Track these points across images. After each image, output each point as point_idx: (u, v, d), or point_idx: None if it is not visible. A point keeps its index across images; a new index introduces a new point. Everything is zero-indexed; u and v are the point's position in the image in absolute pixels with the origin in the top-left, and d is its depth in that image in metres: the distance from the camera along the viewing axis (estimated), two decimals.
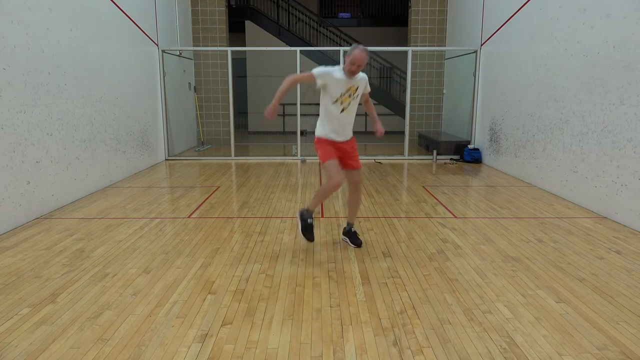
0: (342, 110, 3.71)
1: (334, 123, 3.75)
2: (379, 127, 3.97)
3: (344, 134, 3.81)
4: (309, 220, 3.82)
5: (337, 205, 5.51)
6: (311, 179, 7.10)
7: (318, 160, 6.99)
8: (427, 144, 10.11)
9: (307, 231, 3.84)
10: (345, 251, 3.92)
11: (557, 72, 5.84)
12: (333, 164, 3.70)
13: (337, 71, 3.65)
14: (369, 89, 3.89)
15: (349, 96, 3.68)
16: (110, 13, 6.60)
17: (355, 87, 3.70)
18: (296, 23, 13.96)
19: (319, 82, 3.64)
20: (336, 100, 3.67)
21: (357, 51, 3.53)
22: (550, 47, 6.03)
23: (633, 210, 4.50)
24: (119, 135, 6.79)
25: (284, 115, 12.54)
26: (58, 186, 5.23)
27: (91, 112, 5.97)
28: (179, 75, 9.79)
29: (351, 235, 4.05)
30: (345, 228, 4.12)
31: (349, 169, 3.88)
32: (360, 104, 3.89)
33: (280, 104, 3.73)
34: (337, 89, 3.65)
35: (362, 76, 3.75)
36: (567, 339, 2.55)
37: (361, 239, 4.07)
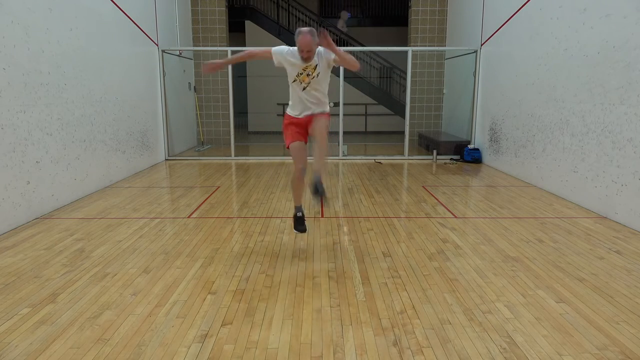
0: (304, 88, 3.68)
1: (296, 100, 3.76)
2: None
3: (308, 110, 3.75)
4: (298, 214, 3.91)
5: (337, 205, 5.51)
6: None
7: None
8: (427, 144, 10.11)
9: (298, 223, 3.94)
10: (345, 251, 3.92)
11: (557, 72, 5.84)
12: (294, 147, 3.74)
13: (294, 53, 3.64)
14: (332, 56, 3.58)
15: (307, 75, 3.65)
16: (110, 13, 6.59)
17: (314, 65, 3.63)
18: (296, 23, 13.97)
19: (275, 60, 3.69)
20: (294, 80, 3.68)
21: (301, 37, 3.49)
22: (550, 47, 6.03)
23: (633, 210, 4.50)
24: (119, 135, 6.79)
25: (283, 115, 12.55)
26: (58, 186, 5.23)
27: (91, 112, 5.97)
28: (179, 75, 9.79)
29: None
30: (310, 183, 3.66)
31: (312, 125, 3.75)
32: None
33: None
34: (292, 70, 3.66)
35: (322, 52, 3.62)
36: (567, 339, 2.55)
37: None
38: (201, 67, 3.83)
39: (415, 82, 10.82)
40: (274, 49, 3.71)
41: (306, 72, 3.64)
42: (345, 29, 12.90)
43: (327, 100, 3.86)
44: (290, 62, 3.66)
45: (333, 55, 3.57)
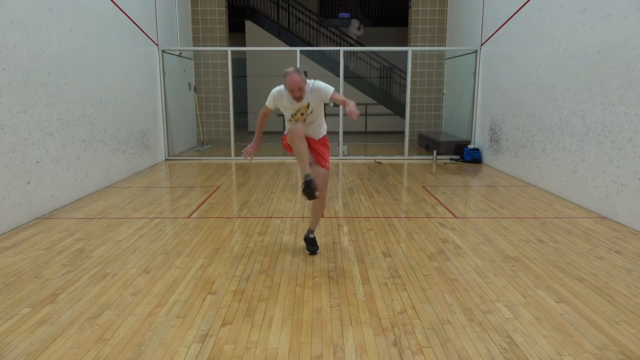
0: None
1: None
2: (351, 109, 3.20)
3: (309, 135, 3.71)
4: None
5: (337, 205, 5.51)
6: None
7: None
8: (427, 144, 10.11)
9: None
10: (345, 251, 3.92)
11: (557, 72, 5.84)
12: (295, 133, 3.48)
13: (283, 94, 3.52)
14: (329, 94, 3.48)
15: (302, 114, 3.59)
16: (110, 13, 6.59)
17: (306, 104, 3.53)
18: (296, 23, 13.97)
19: (272, 107, 3.66)
20: (289, 120, 3.67)
21: (288, 77, 3.37)
22: (550, 47, 6.02)
23: (633, 210, 4.50)
24: (119, 135, 6.79)
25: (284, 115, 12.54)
26: (58, 186, 5.23)
27: (91, 112, 5.97)
28: (179, 75, 9.79)
29: (308, 241, 3.90)
30: (305, 233, 3.98)
31: (316, 163, 3.76)
32: (335, 105, 3.73)
33: None
34: (287, 111, 3.63)
35: (313, 88, 3.49)
36: (567, 339, 2.55)
37: (319, 245, 3.93)
38: (242, 154, 3.93)
39: (415, 82, 10.82)
40: (267, 101, 3.64)
41: (300, 112, 3.57)
42: (360, 32, 13.27)
43: (324, 126, 3.82)
44: (283, 104, 3.59)
45: (330, 94, 3.48)
